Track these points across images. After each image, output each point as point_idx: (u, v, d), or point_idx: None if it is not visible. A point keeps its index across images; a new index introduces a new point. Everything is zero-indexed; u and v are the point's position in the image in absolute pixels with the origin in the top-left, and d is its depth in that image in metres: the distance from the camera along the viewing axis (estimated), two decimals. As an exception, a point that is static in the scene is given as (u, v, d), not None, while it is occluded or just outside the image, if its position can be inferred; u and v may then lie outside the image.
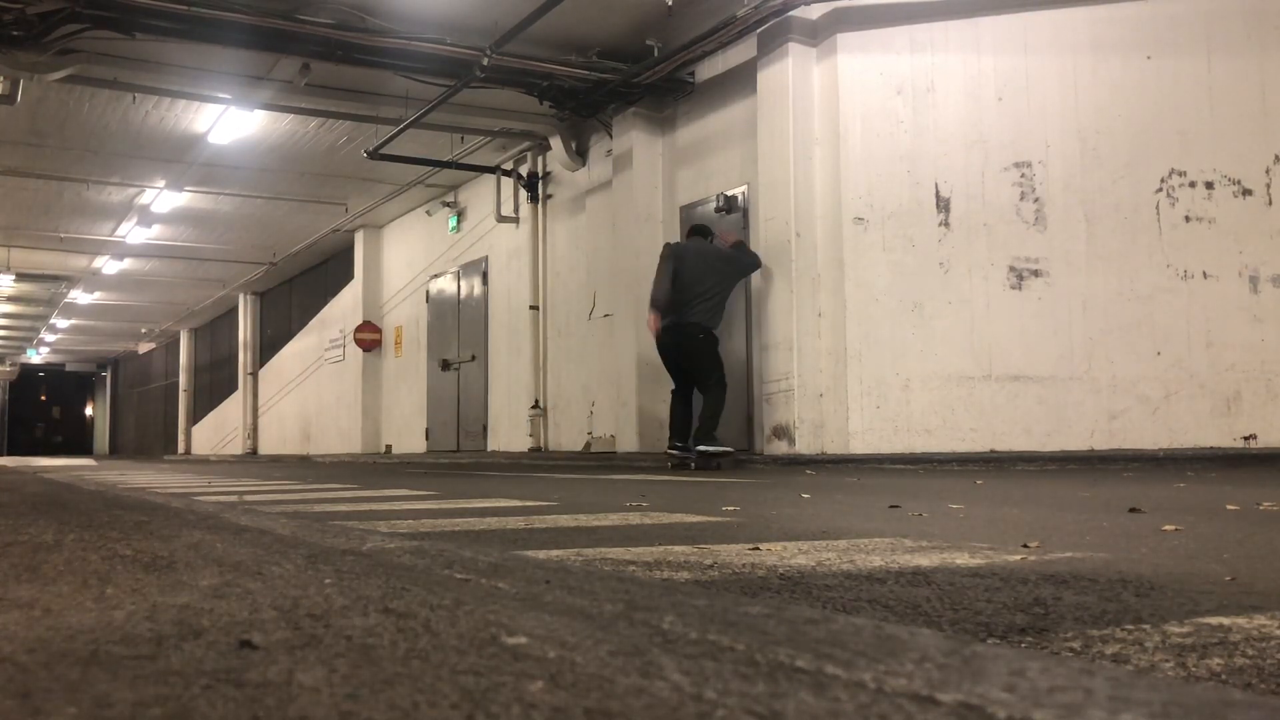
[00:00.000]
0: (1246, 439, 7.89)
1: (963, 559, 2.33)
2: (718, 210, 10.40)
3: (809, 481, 6.25)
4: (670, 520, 3.49)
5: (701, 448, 8.46)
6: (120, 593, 1.54)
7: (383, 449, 18.23)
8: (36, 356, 39.07)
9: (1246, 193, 8.08)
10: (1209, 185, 8.13)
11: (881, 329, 8.69)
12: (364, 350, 18.52)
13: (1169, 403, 8.08)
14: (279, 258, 20.62)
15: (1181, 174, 8.17)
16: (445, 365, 15.95)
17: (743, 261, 9.14)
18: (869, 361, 8.69)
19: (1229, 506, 3.76)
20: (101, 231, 18.80)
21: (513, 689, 0.91)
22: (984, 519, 3.44)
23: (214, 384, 28.52)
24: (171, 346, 32.60)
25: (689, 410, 8.83)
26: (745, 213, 10.13)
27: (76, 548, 2.22)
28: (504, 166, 14.22)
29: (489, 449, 14.74)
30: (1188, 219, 8.16)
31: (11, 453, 42.90)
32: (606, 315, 11.91)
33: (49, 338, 33.61)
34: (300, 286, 22.76)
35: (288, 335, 23.12)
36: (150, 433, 36.13)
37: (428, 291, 16.89)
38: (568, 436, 12.98)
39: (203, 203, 16.91)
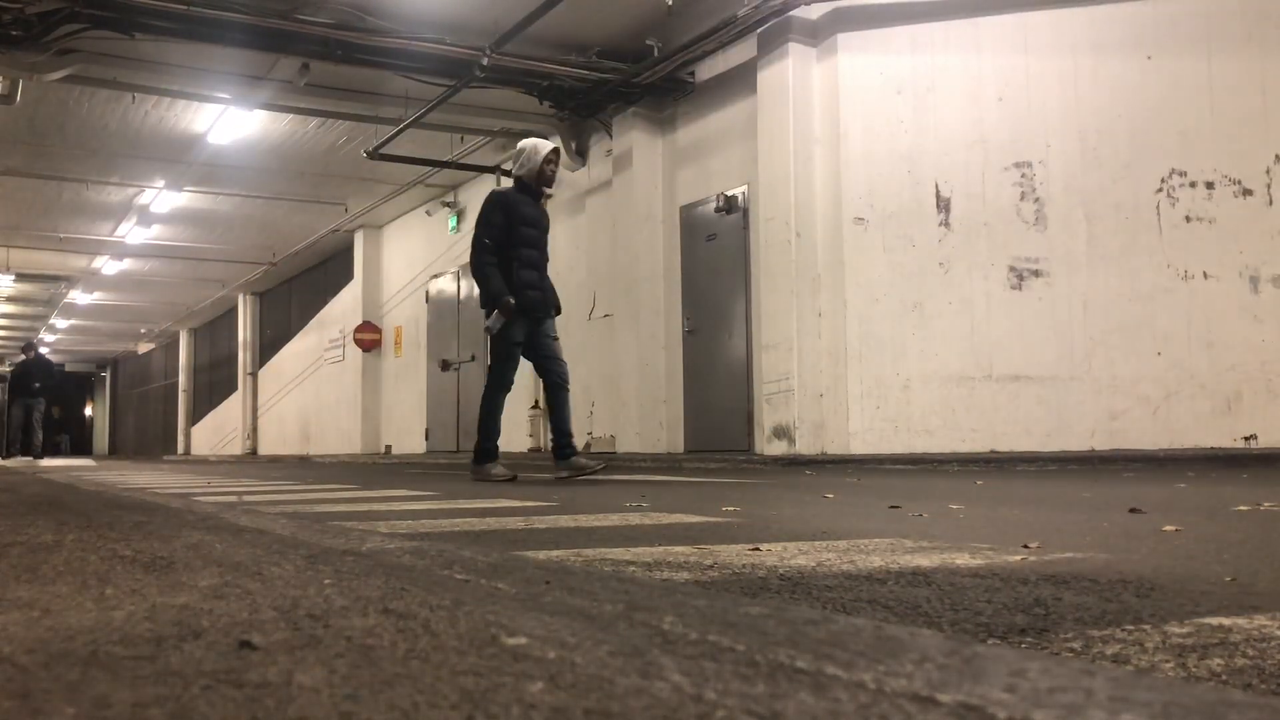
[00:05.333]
0: (1247, 439, 7.89)
1: (963, 559, 2.33)
2: (718, 210, 10.41)
3: (809, 482, 6.25)
4: (670, 520, 3.49)
5: None
6: (119, 593, 1.54)
7: (382, 449, 18.23)
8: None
9: (1247, 193, 8.08)
10: (1209, 185, 8.13)
11: (881, 329, 8.69)
12: (364, 350, 18.52)
13: (1169, 403, 8.08)
14: (279, 258, 20.63)
15: (1182, 174, 8.17)
16: (445, 365, 15.95)
17: None
18: (869, 361, 8.69)
19: (1230, 507, 3.76)
20: (101, 231, 18.80)
21: (513, 689, 0.91)
22: (984, 519, 3.44)
23: (213, 384, 28.51)
24: (171, 347, 32.60)
25: None
26: (745, 213, 10.13)
27: (76, 548, 2.22)
28: (504, 166, 14.22)
29: (489, 449, 14.72)
30: (1188, 219, 8.16)
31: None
32: (606, 315, 11.92)
33: (49, 338, 33.61)
34: (300, 286, 22.76)
35: (287, 335, 23.12)
36: (150, 433, 36.13)
37: (427, 291, 16.88)
38: (568, 436, 12.97)
39: (202, 203, 16.91)
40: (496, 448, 6.78)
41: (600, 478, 6.71)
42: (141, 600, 1.47)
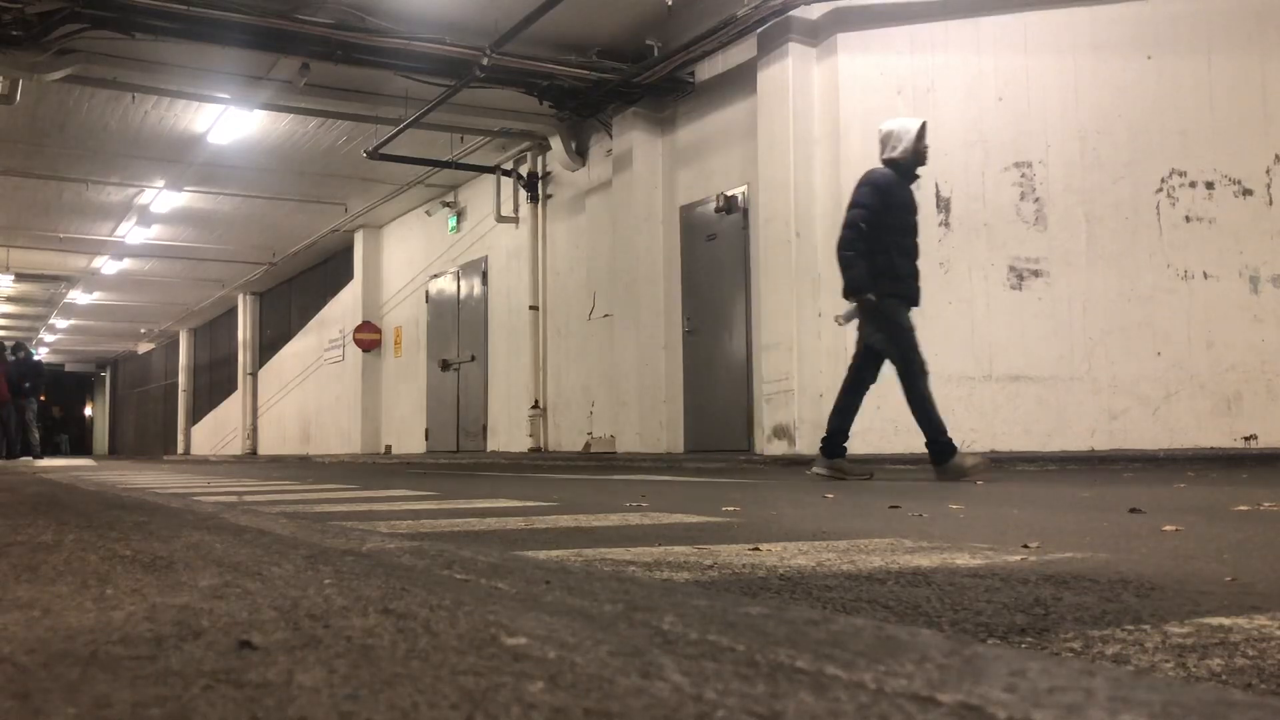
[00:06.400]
0: (1247, 439, 7.89)
1: (963, 559, 2.33)
2: (718, 210, 10.40)
3: (809, 482, 6.25)
4: (670, 521, 3.49)
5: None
6: (119, 593, 1.54)
7: (382, 449, 18.23)
8: (36, 357, 39.05)
9: (1247, 193, 8.07)
10: (1209, 185, 8.13)
11: (881, 329, 8.67)
12: (364, 350, 18.52)
13: (1169, 403, 8.07)
14: (279, 258, 20.62)
15: (1182, 174, 8.17)
16: (445, 365, 15.94)
17: None
18: (869, 361, 8.68)
19: (1230, 507, 3.76)
20: (101, 231, 18.80)
21: (512, 689, 0.91)
22: (984, 519, 3.44)
23: (213, 384, 28.51)
24: (171, 347, 32.59)
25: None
26: (745, 213, 10.13)
27: (76, 548, 2.22)
28: (504, 166, 14.22)
29: (489, 449, 14.73)
30: (1188, 219, 8.16)
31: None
32: (606, 315, 11.91)
33: (49, 338, 33.60)
34: (300, 286, 22.75)
35: (287, 335, 23.11)
36: (149, 433, 36.12)
37: (427, 291, 16.88)
38: (568, 436, 12.98)
39: (202, 203, 16.91)
40: (950, 439, 6.15)
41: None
42: (141, 600, 1.47)
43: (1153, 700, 0.84)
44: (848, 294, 6.29)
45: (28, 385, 19.22)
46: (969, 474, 5.99)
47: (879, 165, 6.37)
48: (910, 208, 6.30)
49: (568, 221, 13.14)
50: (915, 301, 6.36)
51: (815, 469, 6.43)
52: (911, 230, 6.29)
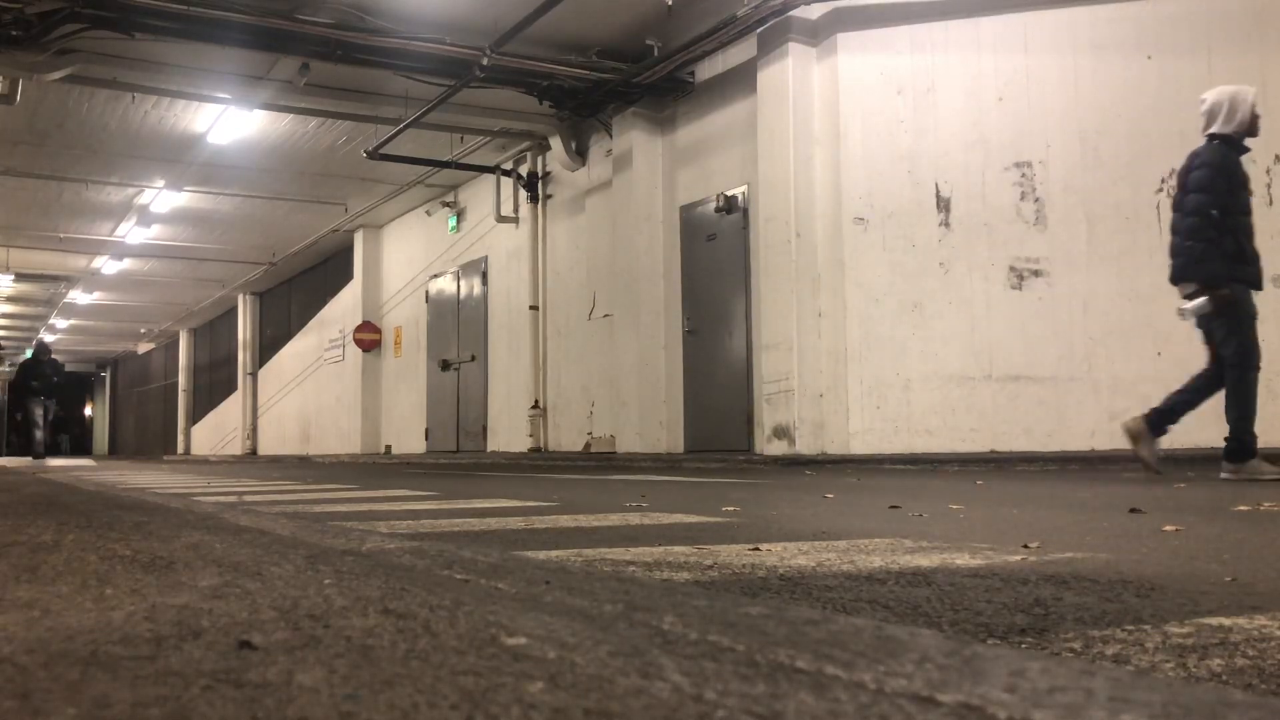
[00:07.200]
0: (1246, 439, 7.88)
1: (963, 559, 2.33)
2: (718, 210, 10.40)
3: (809, 482, 6.25)
4: (670, 521, 3.49)
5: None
6: (119, 593, 1.54)
7: (382, 449, 18.22)
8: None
9: (1246, 193, 8.06)
10: (1209, 185, 8.11)
11: (882, 329, 8.68)
12: (363, 350, 18.52)
13: (1169, 403, 8.06)
14: (278, 258, 20.62)
15: (1181, 174, 8.16)
16: (445, 365, 15.94)
17: None
18: (869, 361, 8.69)
19: (1230, 507, 3.76)
20: (101, 231, 18.79)
21: (512, 689, 0.91)
22: (984, 519, 3.44)
23: (213, 384, 28.51)
24: (171, 347, 32.59)
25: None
26: (745, 213, 10.13)
27: (75, 548, 2.22)
28: (504, 166, 14.22)
29: (489, 449, 14.73)
30: (1188, 219, 8.15)
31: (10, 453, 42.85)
32: (606, 315, 11.91)
33: (48, 338, 33.59)
34: (300, 286, 22.75)
35: (287, 335, 23.11)
36: (149, 433, 36.11)
37: (427, 291, 16.89)
38: (568, 436, 12.98)
39: (202, 203, 16.91)
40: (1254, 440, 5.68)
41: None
42: (141, 600, 1.47)
43: (1153, 700, 0.84)
44: (1184, 278, 5.78)
45: (56, 380, 19.17)
46: (1261, 478, 5.54)
47: (1204, 143, 5.83)
48: (1249, 185, 5.78)
49: (568, 221, 13.14)
50: (1259, 285, 5.81)
51: (1224, 474, 5.84)
52: (1250, 209, 5.78)
